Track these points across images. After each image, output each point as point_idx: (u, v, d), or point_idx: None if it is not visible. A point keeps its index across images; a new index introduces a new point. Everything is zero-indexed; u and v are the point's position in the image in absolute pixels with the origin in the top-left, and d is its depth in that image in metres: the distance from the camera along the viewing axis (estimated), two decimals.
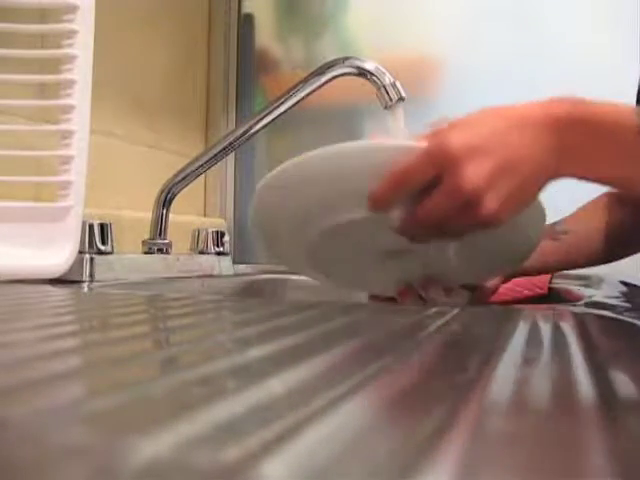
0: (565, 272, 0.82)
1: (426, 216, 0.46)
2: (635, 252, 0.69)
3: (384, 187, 0.47)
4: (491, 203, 0.44)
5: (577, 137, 0.45)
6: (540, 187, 0.46)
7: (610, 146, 0.45)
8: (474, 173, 0.43)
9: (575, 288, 0.73)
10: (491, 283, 0.66)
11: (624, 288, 0.67)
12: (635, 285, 0.69)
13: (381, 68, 0.76)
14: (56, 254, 0.59)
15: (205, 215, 1.19)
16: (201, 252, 0.88)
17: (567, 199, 0.71)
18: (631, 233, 0.67)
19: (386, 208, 0.48)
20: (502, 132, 0.45)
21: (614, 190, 0.60)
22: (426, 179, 0.45)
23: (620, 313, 0.45)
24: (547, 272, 0.74)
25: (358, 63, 0.76)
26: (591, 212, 0.70)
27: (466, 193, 0.44)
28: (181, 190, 0.84)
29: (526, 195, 0.46)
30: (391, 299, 0.63)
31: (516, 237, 0.53)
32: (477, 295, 0.65)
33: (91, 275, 0.65)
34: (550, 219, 0.69)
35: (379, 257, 0.56)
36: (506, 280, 0.69)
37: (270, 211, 0.54)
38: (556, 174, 0.46)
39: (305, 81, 0.79)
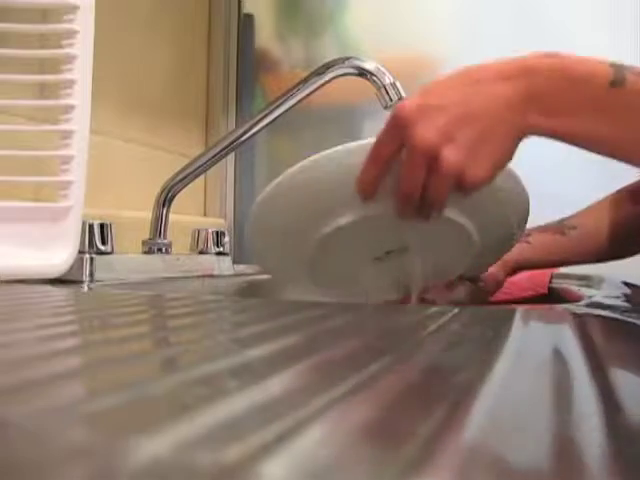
0: (565, 272, 0.82)
1: (406, 188, 0.46)
2: None
3: (364, 171, 0.48)
4: (451, 155, 0.43)
5: (546, 84, 0.44)
6: (510, 140, 0.45)
7: (581, 97, 0.44)
8: (426, 130, 0.43)
9: (575, 288, 0.73)
10: (494, 276, 0.66)
11: (625, 288, 0.67)
12: (636, 285, 0.69)
13: (381, 68, 0.76)
14: (56, 254, 0.59)
15: (205, 215, 1.19)
16: (201, 252, 0.88)
17: (581, 195, 0.71)
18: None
19: (373, 190, 0.48)
20: (461, 88, 0.45)
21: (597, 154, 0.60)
22: (393, 149, 0.46)
23: (620, 313, 0.45)
24: (552, 266, 0.74)
25: (358, 63, 0.76)
26: (602, 208, 0.70)
27: (422, 151, 0.44)
28: (181, 190, 0.84)
29: (493, 145, 0.44)
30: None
31: (499, 223, 0.54)
32: (480, 288, 0.65)
33: (91, 275, 0.65)
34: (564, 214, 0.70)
35: (377, 260, 0.57)
36: (512, 273, 0.69)
37: (266, 226, 0.55)
38: (524, 124, 0.44)
39: (305, 81, 0.79)
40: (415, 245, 0.54)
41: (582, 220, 0.69)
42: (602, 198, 0.71)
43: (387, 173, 0.47)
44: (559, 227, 0.69)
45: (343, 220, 0.51)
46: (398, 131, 0.45)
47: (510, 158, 0.46)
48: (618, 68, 0.43)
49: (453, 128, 0.44)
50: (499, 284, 0.69)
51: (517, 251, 0.66)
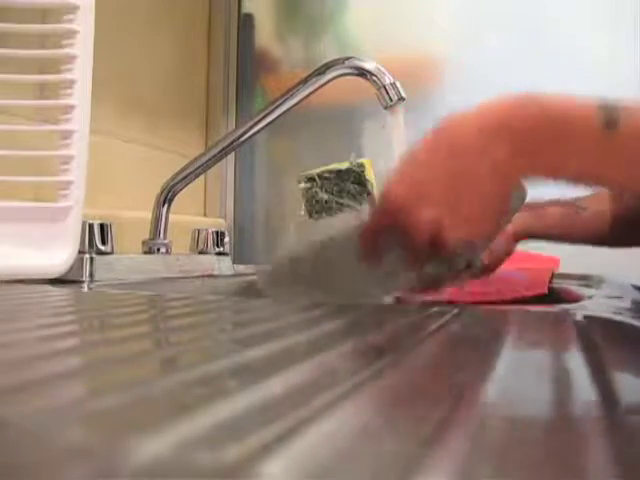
0: (565, 272, 0.82)
1: (411, 266, 0.48)
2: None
3: (362, 248, 0.48)
4: (453, 236, 0.43)
5: (535, 140, 0.43)
6: (506, 198, 0.45)
7: (573, 143, 0.43)
8: (422, 215, 0.43)
9: (575, 288, 0.73)
10: (502, 246, 0.67)
11: (627, 288, 0.67)
12: (636, 286, 0.69)
13: (381, 68, 0.76)
14: (56, 254, 0.59)
15: (205, 215, 1.19)
16: (201, 252, 0.88)
17: None
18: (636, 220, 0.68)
19: (376, 260, 0.49)
20: (446, 160, 0.44)
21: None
22: (384, 229, 0.46)
23: (620, 313, 0.45)
24: (557, 241, 0.75)
25: (358, 63, 0.76)
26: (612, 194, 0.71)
27: (426, 237, 0.44)
28: (181, 190, 0.84)
29: (492, 209, 0.45)
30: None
31: None
32: (485, 264, 0.66)
33: (91, 275, 0.65)
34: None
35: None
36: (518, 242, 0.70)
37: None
38: (519, 180, 0.44)
39: (305, 81, 0.79)
40: None
41: (594, 202, 0.70)
42: None
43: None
44: (572, 205, 0.70)
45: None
46: (392, 217, 0.45)
47: (510, 212, 0.47)
48: (607, 110, 0.42)
49: (449, 208, 0.44)
50: (508, 253, 0.69)
51: (527, 221, 0.67)
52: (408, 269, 0.49)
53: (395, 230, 0.45)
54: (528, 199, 0.50)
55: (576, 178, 0.45)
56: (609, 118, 0.41)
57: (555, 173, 0.44)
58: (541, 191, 0.49)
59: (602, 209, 0.70)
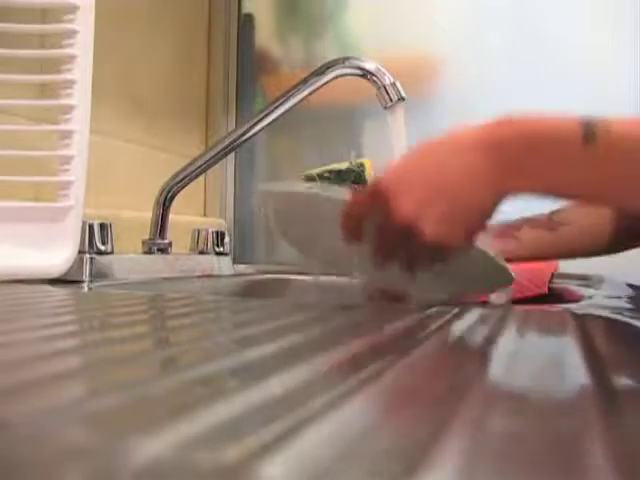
0: (565, 272, 0.82)
1: (381, 254, 0.48)
2: None
3: (343, 225, 0.49)
4: (427, 228, 0.44)
5: (520, 151, 0.44)
6: (489, 206, 0.45)
7: (555, 157, 0.44)
8: (404, 203, 0.44)
9: (575, 288, 0.73)
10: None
11: (626, 289, 0.67)
12: (637, 286, 0.69)
13: (381, 68, 0.76)
14: (56, 254, 0.59)
15: (205, 215, 1.19)
16: (201, 252, 0.88)
17: None
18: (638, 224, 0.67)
19: (355, 239, 0.49)
20: (436, 158, 0.46)
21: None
22: (366, 210, 0.47)
23: (620, 313, 0.45)
24: (540, 261, 0.74)
25: (358, 63, 0.76)
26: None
27: (400, 221, 0.44)
28: (181, 190, 0.84)
29: (471, 214, 0.45)
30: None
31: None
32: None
33: (91, 275, 0.65)
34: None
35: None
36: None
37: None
38: (502, 190, 0.45)
39: (305, 81, 0.79)
40: None
41: (573, 216, 0.70)
42: None
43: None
44: (550, 222, 0.69)
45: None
46: (375, 199, 0.46)
47: (487, 223, 0.47)
48: (587, 124, 0.43)
49: (427, 203, 0.45)
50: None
51: (505, 247, 0.67)
52: (375, 261, 0.49)
53: (375, 214, 0.46)
54: (502, 219, 0.50)
55: (558, 192, 0.46)
56: (588, 132, 0.42)
57: (538, 187, 0.45)
58: (517, 207, 0.50)
59: (583, 221, 0.69)
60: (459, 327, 0.34)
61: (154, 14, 1.03)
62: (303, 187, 0.60)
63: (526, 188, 0.45)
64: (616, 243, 0.69)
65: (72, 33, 0.59)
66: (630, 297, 0.59)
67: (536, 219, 0.70)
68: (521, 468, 0.13)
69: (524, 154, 0.44)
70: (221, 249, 0.89)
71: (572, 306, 0.49)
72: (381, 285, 0.59)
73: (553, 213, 0.70)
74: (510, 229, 0.70)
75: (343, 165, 0.83)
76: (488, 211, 0.46)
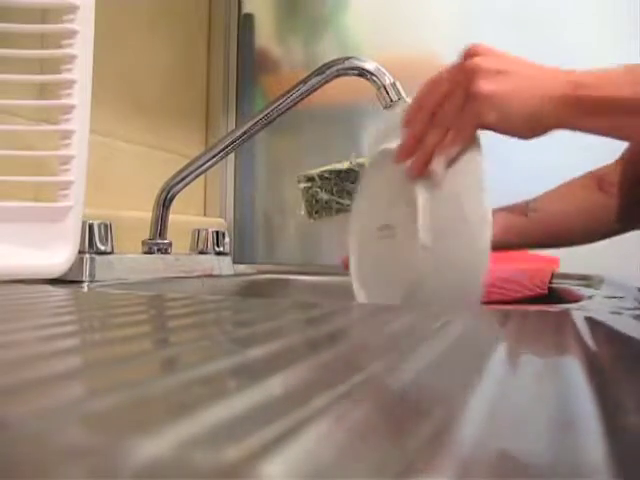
0: (565, 272, 0.82)
1: (426, 100, 0.52)
2: (616, 234, 0.70)
3: (413, 104, 0.53)
4: (487, 87, 0.49)
5: (587, 90, 0.48)
6: (548, 118, 0.49)
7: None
8: (478, 62, 0.50)
9: (575, 288, 0.73)
10: None
11: (626, 289, 0.67)
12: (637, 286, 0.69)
13: (381, 68, 0.76)
14: (56, 254, 0.59)
15: (205, 215, 1.19)
16: (201, 252, 0.88)
17: (538, 184, 0.71)
18: (613, 214, 0.68)
19: (414, 124, 0.52)
20: (528, 62, 0.52)
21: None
22: (443, 90, 0.51)
23: (620, 313, 0.45)
24: (511, 248, 0.74)
25: (358, 63, 0.76)
26: (567, 193, 0.70)
27: (465, 68, 0.50)
28: (181, 190, 0.84)
29: (524, 100, 0.49)
30: None
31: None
32: None
33: (91, 275, 0.65)
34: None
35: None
36: None
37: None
38: (566, 120, 0.49)
39: (305, 81, 0.79)
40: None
41: (545, 203, 0.70)
42: (568, 180, 0.72)
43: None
44: (523, 208, 0.69)
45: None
46: (455, 74, 0.51)
47: (535, 135, 0.51)
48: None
49: (501, 73, 0.50)
50: None
51: None
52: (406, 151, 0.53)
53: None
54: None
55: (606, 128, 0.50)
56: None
57: (594, 118, 0.49)
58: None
59: (556, 208, 0.70)
60: (459, 327, 0.34)
61: (154, 14, 1.03)
62: None
63: (587, 128, 0.49)
64: (576, 236, 0.69)
65: (72, 33, 0.59)
66: (627, 295, 0.58)
67: (512, 206, 0.71)
68: (520, 468, 0.13)
69: (596, 91, 0.48)
70: (221, 249, 0.89)
71: (572, 306, 0.49)
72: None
73: (529, 201, 0.70)
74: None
75: (343, 165, 0.83)
76: (544, 121, 0.49)
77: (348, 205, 0.81)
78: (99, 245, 0.68)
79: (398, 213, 0.54)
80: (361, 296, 0.58)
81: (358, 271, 0.60)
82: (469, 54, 0.52)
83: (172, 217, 0.83)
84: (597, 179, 0.69)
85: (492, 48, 0.52)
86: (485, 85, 0.49)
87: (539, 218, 0.69)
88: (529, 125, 0.49)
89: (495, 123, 0.49)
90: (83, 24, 0.59)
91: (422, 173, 0.51)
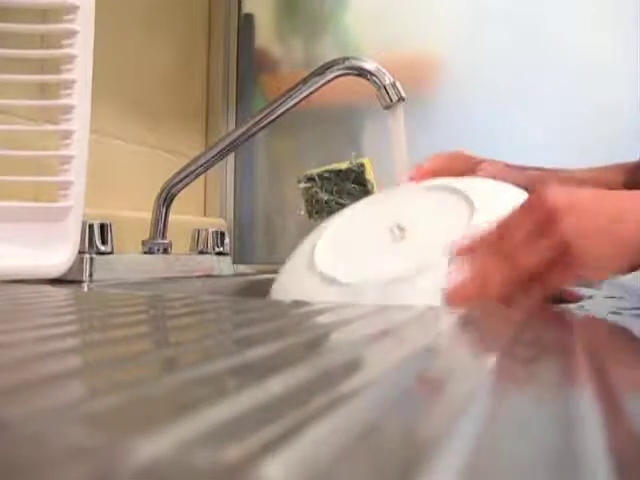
0: None
1: (527, 263, 0.44)
2: None
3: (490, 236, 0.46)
4: (587, 259, 0.42)
5: None
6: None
7: None
8: (572, 226, 0.42)
9: (575, 288, 0.73)
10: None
11: (626, 289, 0.67)
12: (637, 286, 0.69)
13: (381, 68, 0.76)
14: (56, 254, 0.59)
15: (205, 215, 1.19)
16: (201, 252, 0.88)
17: None
18: None
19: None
20: (613, 205, 0.44)
21: None
22: (525, 230, 0.44)
23: (620, 313, 0.45)
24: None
25: (358, 63, 0.76)
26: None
27: (564, 244, 0.42)
28: (181, 190, 0.84)
29: (624, 256, 0.43)
30: None
31: None
32: None
33: (91, 275, 0.65)
34: None
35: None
36: None
37: None
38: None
39: (305, 81, 0.79)
40: None
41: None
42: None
43: None
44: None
45: None
46: (538, 216, 0.43)
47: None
48: None
49: (597, 234, 0.42)
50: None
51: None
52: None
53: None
54: None
55: None
56: None
57: None
58: None
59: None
60: (459, 327, 0.34)
61: (154, 14, 1.03)
62: None
63: None
64: None
65: (72, 33, 0.59)
66: (625, 294, 0.58)
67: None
68: (520, 468, 0.13)
69: None
70: (221, 249, 0.89)
71: (572, 306, 0.49)
72: None
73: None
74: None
75: (343, 165, 0.83)
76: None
77: (348, 205, 0.81)
78: (99, 245, 0.68)
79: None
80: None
81: None
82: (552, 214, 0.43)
83: (172, 217, 0.83)
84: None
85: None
86: (584, 264, 0.43)
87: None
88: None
89: None
90: (83, 24, 0.59)
91: None
